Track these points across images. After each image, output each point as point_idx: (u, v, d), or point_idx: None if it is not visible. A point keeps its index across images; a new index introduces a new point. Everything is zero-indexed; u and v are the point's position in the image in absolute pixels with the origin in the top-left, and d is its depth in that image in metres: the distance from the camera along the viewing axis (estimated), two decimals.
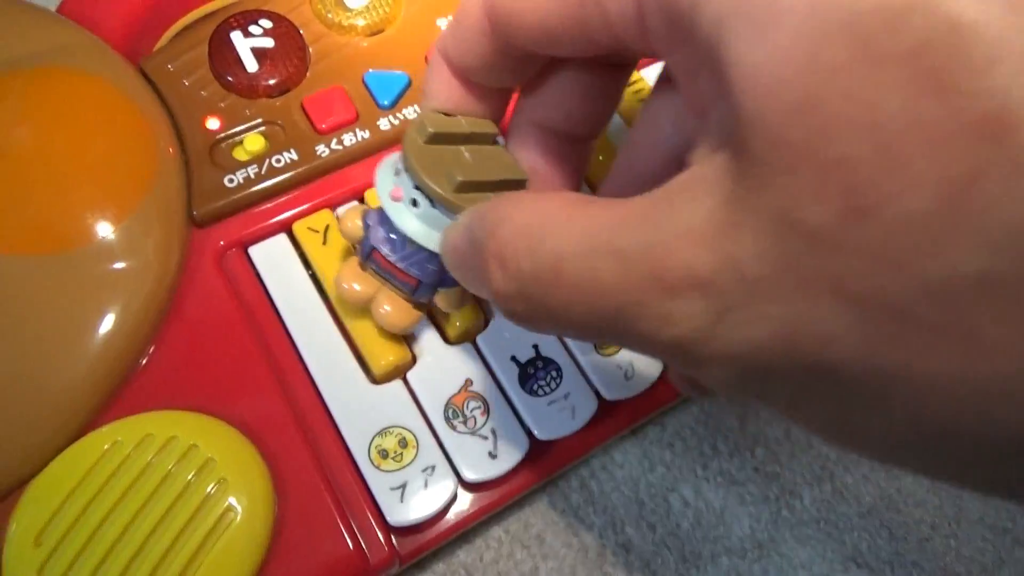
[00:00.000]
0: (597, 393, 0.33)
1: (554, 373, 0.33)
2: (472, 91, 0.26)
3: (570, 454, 0.33)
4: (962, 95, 0.12)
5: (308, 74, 0.37)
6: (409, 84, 0.37)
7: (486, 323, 0.34)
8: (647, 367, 0.33)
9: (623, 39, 0.19)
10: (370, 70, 0.37)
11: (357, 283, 0.30)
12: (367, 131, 0.36)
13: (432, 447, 0.31)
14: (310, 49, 0.38)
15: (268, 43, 0.37)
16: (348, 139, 0.35)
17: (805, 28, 0.13)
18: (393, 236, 0.28)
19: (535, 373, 0.32)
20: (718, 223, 0.15)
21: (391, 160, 0.27)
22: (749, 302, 0.14)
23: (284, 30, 0.37)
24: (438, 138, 0.25)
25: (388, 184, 0.26)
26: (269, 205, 0.34)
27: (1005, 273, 0.12)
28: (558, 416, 0.32)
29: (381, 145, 0.36)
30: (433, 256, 0.26)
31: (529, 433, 0.32)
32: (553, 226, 0.18)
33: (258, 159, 0.35)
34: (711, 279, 0.15)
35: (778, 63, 0.14)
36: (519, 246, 0.18)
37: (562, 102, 0.25)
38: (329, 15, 0.39)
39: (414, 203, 0.26)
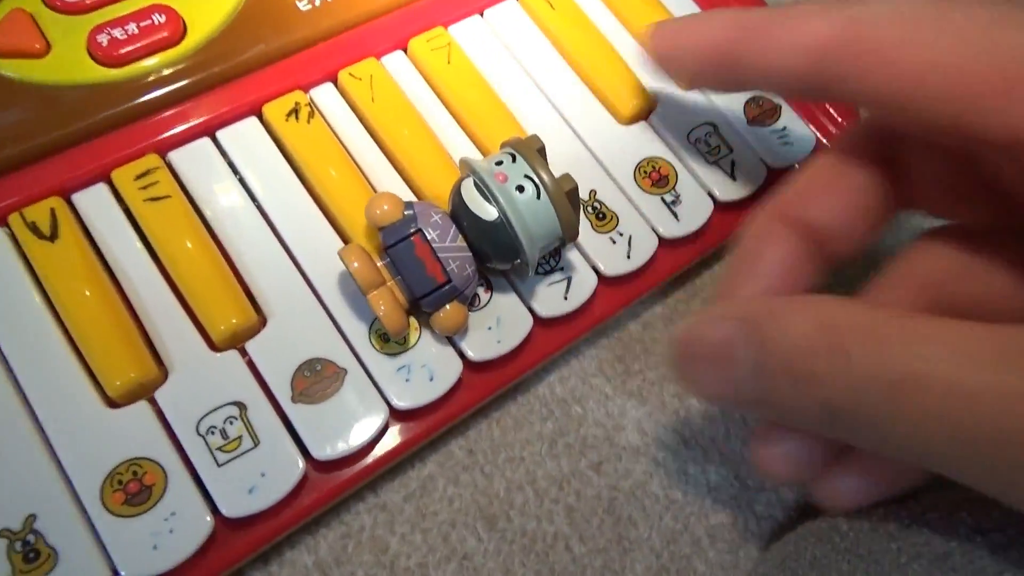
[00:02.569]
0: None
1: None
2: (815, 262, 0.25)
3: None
4: None
5: None
6: None
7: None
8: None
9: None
10: None
11: (365, 263, 0.26)
12: None
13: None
14: None
15: None
16: None
17: None
18: (450, 223, 0.27)
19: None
20: None
21: (487, 157, 0.28)
22: None
23: None
24: (541, 152, 0.28)
25: (488, 167, 0.27)
26: None
27: None
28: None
29: None
30: (472, 262, 0.27)
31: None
32: (904, 339, 0.17)
33: None
34: None
35: None
36: (846, 354, 0.18)
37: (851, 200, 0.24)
38: None
39: (520, 189, 0.26)
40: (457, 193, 0.27)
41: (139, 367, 0.26)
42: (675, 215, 0.32)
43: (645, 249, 0.31)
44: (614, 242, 0.31)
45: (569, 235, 0.27)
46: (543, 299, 0.30)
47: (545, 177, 0.26)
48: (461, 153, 0.31)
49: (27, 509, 0.24)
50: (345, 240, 0.29)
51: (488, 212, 0.26)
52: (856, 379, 0.17)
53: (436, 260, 0.26)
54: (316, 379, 0.27)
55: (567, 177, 0.27)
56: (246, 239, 0.29)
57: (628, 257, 0.31)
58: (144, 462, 0.25)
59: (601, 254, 0.31)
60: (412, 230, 0.26)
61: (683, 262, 0.33)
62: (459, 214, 0.27)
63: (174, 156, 0.30)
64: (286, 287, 0.28)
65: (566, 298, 0.30)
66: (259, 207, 0.29)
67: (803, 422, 0.20)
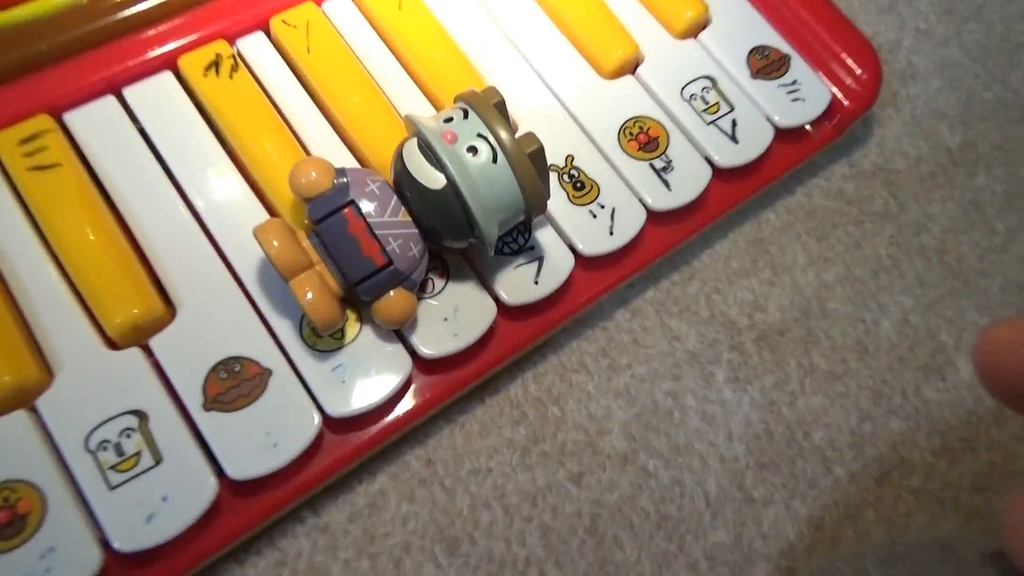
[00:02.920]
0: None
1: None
2: None
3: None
4: None
5: None
6: None
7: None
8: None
9: None
10: None
11: (286, 242, 0.21)
12: None
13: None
14: None
15: None
16: None
17: None
18: (390, 192, 0.22)
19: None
20: None
21: (435, 114, 0.23)
22: None
23: None
24: (499, 108, 0.23)
25: (435, 125, 0.22)
26: None
27: None
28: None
29: None
30: (419, 241, 0.22)
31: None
32: None
33: None
34: None
35: None
36: None
37: None
38: None
39: (473, 151, 0.21)
40: (399, 157, 0.22)
41: (15, 367, 0.21)
42: (666, 184, 0.27)
43: (631, 224, 0.26)
44: (594, 216, 0.26)
45: (535, 207, 0.23)
46: (509, 284, 0.25)
47: (503, 135, 0.22)
48: (407, 105, 0.27)
49: None
50: (274, 216, 0.25)
51: (434, 179, 0.22)
52: None
53: (373, 238, 0.22)
54: (234, 382, 0.23)
55: (530, 136, 0.22)
56: (154, 215, 0.24)
57: (611, 233, 0.26)
58: (18, 485, 0.21)
59: (579, 230, 0.26)
60: (343, 202, 0.22)
61: (677, 239, 0.28)
62: (402, 182, 0.22)
63: (70, 117, 0.25)
64: (200, 272, 0.24)
65: (536, 282, 0.25)
66: (171, 177, 0.25)
67: None
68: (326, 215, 0.22)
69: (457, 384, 0.25)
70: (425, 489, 0.26)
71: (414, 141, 0.22)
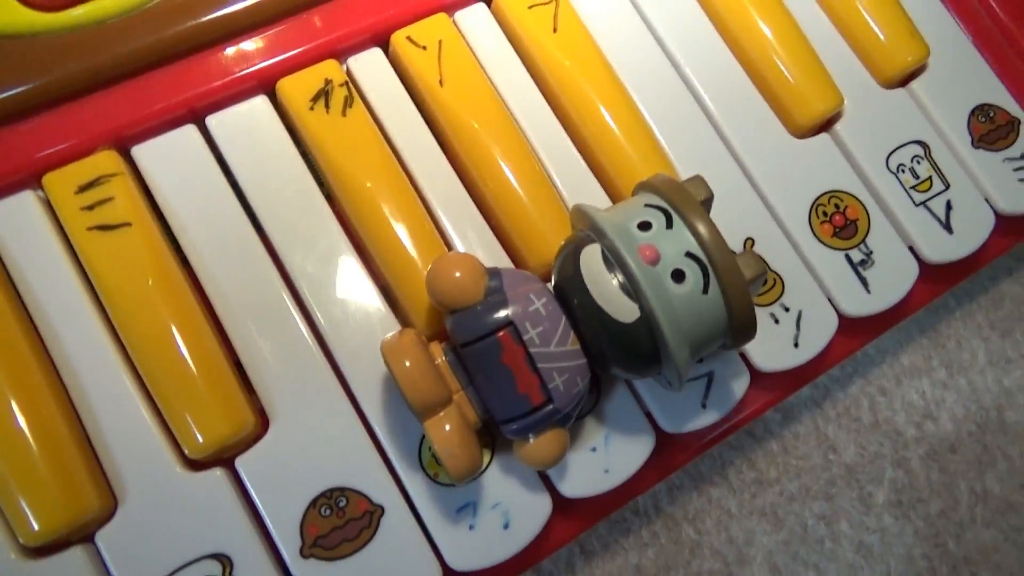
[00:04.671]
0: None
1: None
2: None
3: None
4: None
5: None
6: None
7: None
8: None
9: None
10: None
11: (423, 371, 0.16)
12: None
13: None
14: None
15: None
16: None
17: None
18: (559, 313, 0.17)
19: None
20: None
21: (619, 208, 0.18)
22: None
23: None
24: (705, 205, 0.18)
25: (627, 232, 0.17)
26: None
27: None
28: None
29: None
30: (586, 374, 0.17)
31: None
32: None
33: None
34: None
35: None
36: None
37: None
38: None
39: (678, 277, 0.16)
40: (574, 266, 0.17)
41: (72, 495, 0.17)
42: (863, 282, 0.22)
43: (820, 333, 0.21)
44: (776, 321, 0.21)
45: (741, 340, 0.18)
46: (672, 407, 0.20)
47: (721, 260, 0.16)
48: (566, 174, 0.21)
49: None
50: (395, 304, 0.20)
51: (625, 310, 0.17)
52: None
53: (533, 371, 0.17)
54: (339, 521, 0.18)
55: (750, 257, 0.17)
56: (242, 292, 0.19)
57: (796, 345, 0.21)
58: None
59: (758, 339, 0.21)
60: (499, 323, 0.17)
61: (861, 343, 0.23)
62: (570, 295, 0.17)
63: (139, 152, 0.20)
64: (300, 375, 0.19)
65: (704, 406, 0.20)
66: (265, 240, 0.20)
67: None
68: (477, 338, 0.17)
69: (595, 517, 0.21)
70: None
71: (596, 250, 0.17)
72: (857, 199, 0.23)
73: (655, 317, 0.16)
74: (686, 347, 0.17)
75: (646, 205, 0.17)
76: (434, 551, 0.19)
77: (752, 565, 0.24)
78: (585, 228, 0.18)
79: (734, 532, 0.24)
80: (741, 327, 0.17)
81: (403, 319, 0.20)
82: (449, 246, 0.20)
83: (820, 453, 0.25)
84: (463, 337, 0.17)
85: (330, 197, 0.20)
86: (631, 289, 0.16)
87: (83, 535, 0.18)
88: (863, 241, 0.22)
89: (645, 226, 0.17)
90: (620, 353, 0.17)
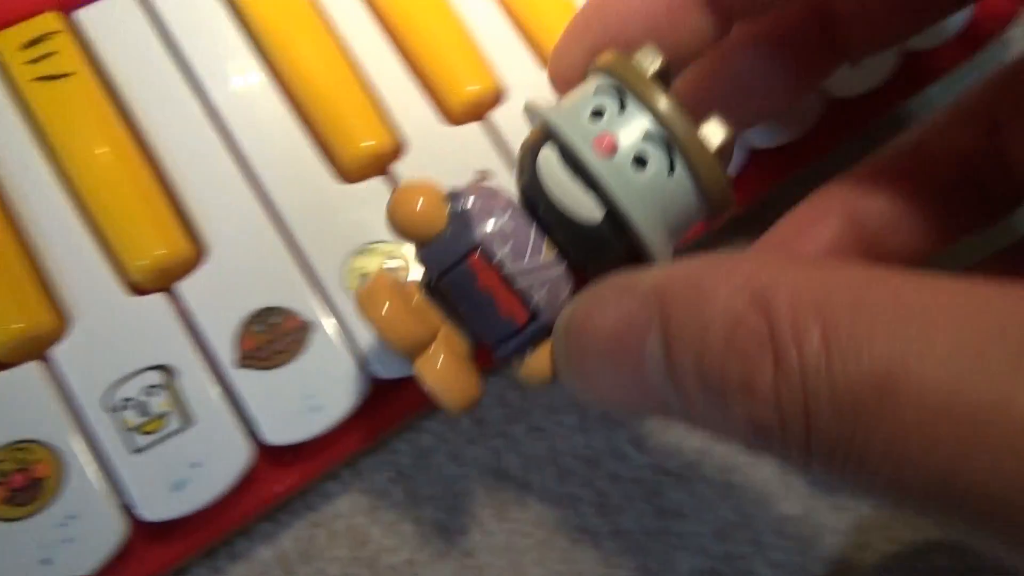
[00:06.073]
0: None
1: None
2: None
3: None
4: None
5: None
6: None
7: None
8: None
9: None
10: None
11: (405, 319, 0.16)
12: None
13: None
14: None
15: None
16: None
17: None
18: (527, 224, 0.17)
19: None
20: None
21: (577, 95, 0.17)
22: None
23: None
24: (662, 77, 0.16)
25: (579, 126, 0.16)
26: None
27: None
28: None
29: None
30: (570, 280, 0.17)
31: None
32: (900, 315, 0.12)
33: None
34: None
35: None
36: (840, 334, 0.12)
37: None
38: None
39: (640, 163, 0.16)
40: (532, 171, 0.17)
41: (26, 312, 0.19)
42: None
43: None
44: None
45: (719, 210, 0.17)
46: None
47: (683, 132, 0.16)
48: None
49: None
50: (327, 145, 0.21)
51: (588, 209, 0.16)
52: (820, 384, 0.12)
53: (511, 292, 0.17)
54: (271, 336, 0.20)
55: (716, 125, 0.16)
56: (181, 137, 0.21)
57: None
58: (32, 446, 0.19)
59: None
60: (467, 248, 0.16)
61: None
62: (535, 201, 0.17)
63: (83, 15, 0.21)
64: (234, 208, 0.21)
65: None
66: (200, 90, 0.21)
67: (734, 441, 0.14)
68: (448, 268, 0.17)
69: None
70: (473, 448, 0.24)
71: (552, 149, 0.17)
72: None
73: (622, 212, 0.16)
74: (662, 235, 0.16)
75: (596, 89, 0.17)
76: (362, 361, 0.20)
77: None
78: (538, 128, 0.17)
79: None
80: (717, 203, 0.17)
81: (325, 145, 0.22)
82: None
83: None
84: (436, 269, 0.17)
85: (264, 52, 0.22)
86: (590, 185, 0.16)
87: (40, 353, 0.19)
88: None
89: (598, 113, 0.16)
90: (594, 255, 0.17)
